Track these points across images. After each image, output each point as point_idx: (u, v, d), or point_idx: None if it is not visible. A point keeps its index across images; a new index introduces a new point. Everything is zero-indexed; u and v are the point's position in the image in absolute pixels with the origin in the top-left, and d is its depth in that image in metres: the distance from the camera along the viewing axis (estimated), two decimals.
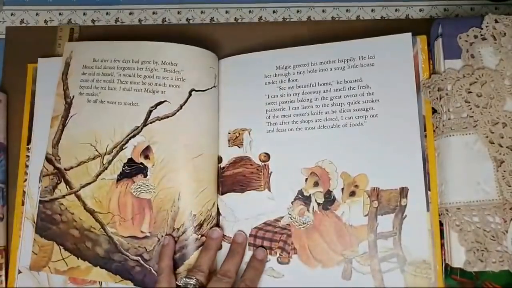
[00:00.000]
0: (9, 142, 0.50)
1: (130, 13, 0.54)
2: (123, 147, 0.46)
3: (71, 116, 0.47)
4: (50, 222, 0.45)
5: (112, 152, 0.46)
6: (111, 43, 0.48)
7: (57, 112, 0.47)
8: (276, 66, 0.47)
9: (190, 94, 0.46)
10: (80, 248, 0.45)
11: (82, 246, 0.45)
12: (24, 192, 0.47)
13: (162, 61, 0.46)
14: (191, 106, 0.46)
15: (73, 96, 0.47)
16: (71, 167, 0.46)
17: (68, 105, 0.47)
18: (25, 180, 0.48)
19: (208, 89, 0.47)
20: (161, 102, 0.46)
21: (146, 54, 0.47)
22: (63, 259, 0.45)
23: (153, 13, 0.54)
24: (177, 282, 0.42)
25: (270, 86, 0.47)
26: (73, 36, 0.52)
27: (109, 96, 0.47)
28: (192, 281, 0.40)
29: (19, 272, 0.46)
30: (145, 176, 0.45)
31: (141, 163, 0.45)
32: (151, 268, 0.44)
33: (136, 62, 0.47)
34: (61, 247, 0.45)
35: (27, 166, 0.48)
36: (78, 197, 0.45)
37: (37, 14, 0.54)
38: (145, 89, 0.46)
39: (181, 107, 0.46)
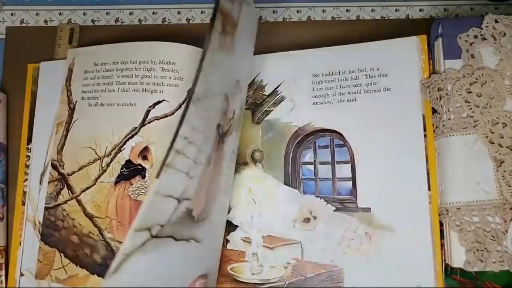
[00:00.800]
0: (9, 142, 0.50)
1: (130, 13, 0.54)
2: (121, 149, 0.45)
3: (74, 121, 0.47)
4: (53, 229, 0.45)
5: (111, 154, 0.45)
6: (110, 45, 0.48)
7: (61, 118, 0.47)
8: None
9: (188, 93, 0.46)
10: (79, 255, 0.44)
11: (81, 253, 0.44)
12: (24, 192, 0.47)
13: (160, 61, 0.46)
14: None
15: (76, 102, 0.47)
16: (73, 172, 0.46)
17: (71, 110, 0.47)
18: (25, 180, 0.48)
19: None
20: (159, 102, 0.45)
21: (144, 54, 0.46)
22: (63, 267, 0.44)
23: (153, 13, 0.54)
24: None
25: None
26: (73, 36, 0.52)
27: (108, 98, 0.46)
28: None
29: (22, 275, 0.46)
30: (143, 177, 0.44)
31: (139, 164, 0.45)
32: None
33: (133, 63, 0.46)
34: (62, 255, 0.45)
35: (27, 166, 0.48)
36: (79, 202, 0.45)
37: (37, 14, 0.54)
38: (143, 89, 0.46)
39: (180, 106, 0.45)
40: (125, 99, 0.46)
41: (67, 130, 0.47)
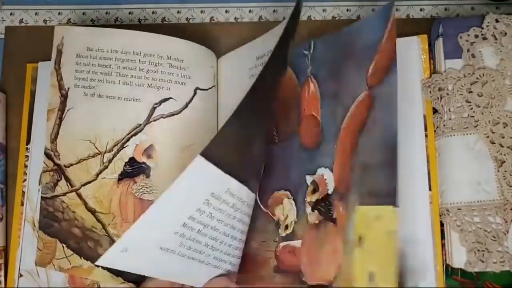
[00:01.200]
0: (8, 142, 0.50)
1: (130, 13, 0.54)
2: (124, 146, 0.44)
3: (68, 110, 0.44)
4: (52, 219, 0.44)
5: (113, 150, 0.44)
6: (105, 30, 0.45)
7: (52, 105, 0.45)
8: (256, 57, 0.46)
9: (195, 93, 0.45)
10: (83, 248, 0.43)
11: (84, 245, 0.43)
12: (23, 192, 0.47)
13: (168, 56, 0.44)
14: (195, 105, 0.45)
15: (68, 88, 0.44)
16: (71, 164, 0.44)
17: (64, 97, 0.44)
18: (24, 180, 0.47)
19: (210, 88, 0.46)
20: (166, 99, 0.44)
21: (148, 46, 0.44)
22: (66, 257, 0.43)
23: (153, 12, 0.54)
24: None
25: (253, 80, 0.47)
26: None
27: (107, 89, 0.44)
28: None
29: (20, 275, 0.45)
30: (148, 176, 0.43)
31: (143, 163, 0.44)
32: None
33: (137, 54, 0.44)
34: (64, 245, 0.43)
35: (26, 166, 0.48)
36: (79, 196, 0.44)
37: (36, 13, 0.54)
38: (148, 84, 0.44)
39: (187, 105, 0.44)
40: (127, 93, 0.44)
41: (60, 119, 0.44)
